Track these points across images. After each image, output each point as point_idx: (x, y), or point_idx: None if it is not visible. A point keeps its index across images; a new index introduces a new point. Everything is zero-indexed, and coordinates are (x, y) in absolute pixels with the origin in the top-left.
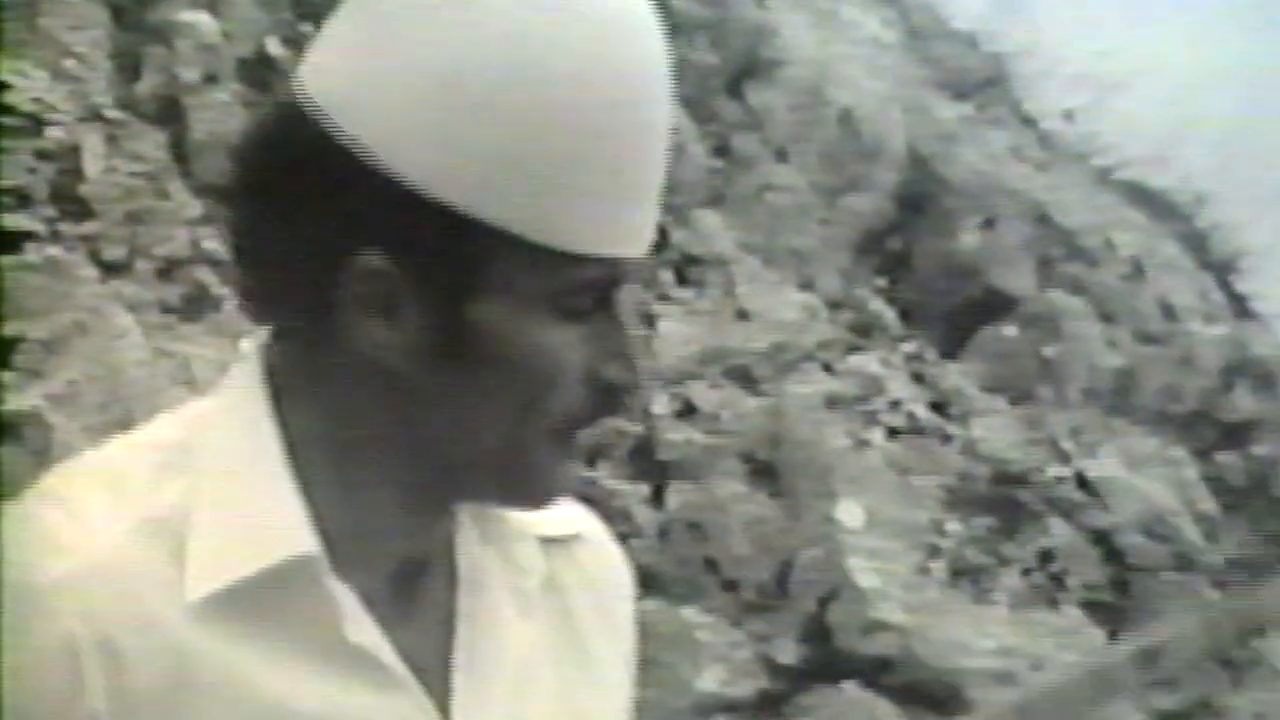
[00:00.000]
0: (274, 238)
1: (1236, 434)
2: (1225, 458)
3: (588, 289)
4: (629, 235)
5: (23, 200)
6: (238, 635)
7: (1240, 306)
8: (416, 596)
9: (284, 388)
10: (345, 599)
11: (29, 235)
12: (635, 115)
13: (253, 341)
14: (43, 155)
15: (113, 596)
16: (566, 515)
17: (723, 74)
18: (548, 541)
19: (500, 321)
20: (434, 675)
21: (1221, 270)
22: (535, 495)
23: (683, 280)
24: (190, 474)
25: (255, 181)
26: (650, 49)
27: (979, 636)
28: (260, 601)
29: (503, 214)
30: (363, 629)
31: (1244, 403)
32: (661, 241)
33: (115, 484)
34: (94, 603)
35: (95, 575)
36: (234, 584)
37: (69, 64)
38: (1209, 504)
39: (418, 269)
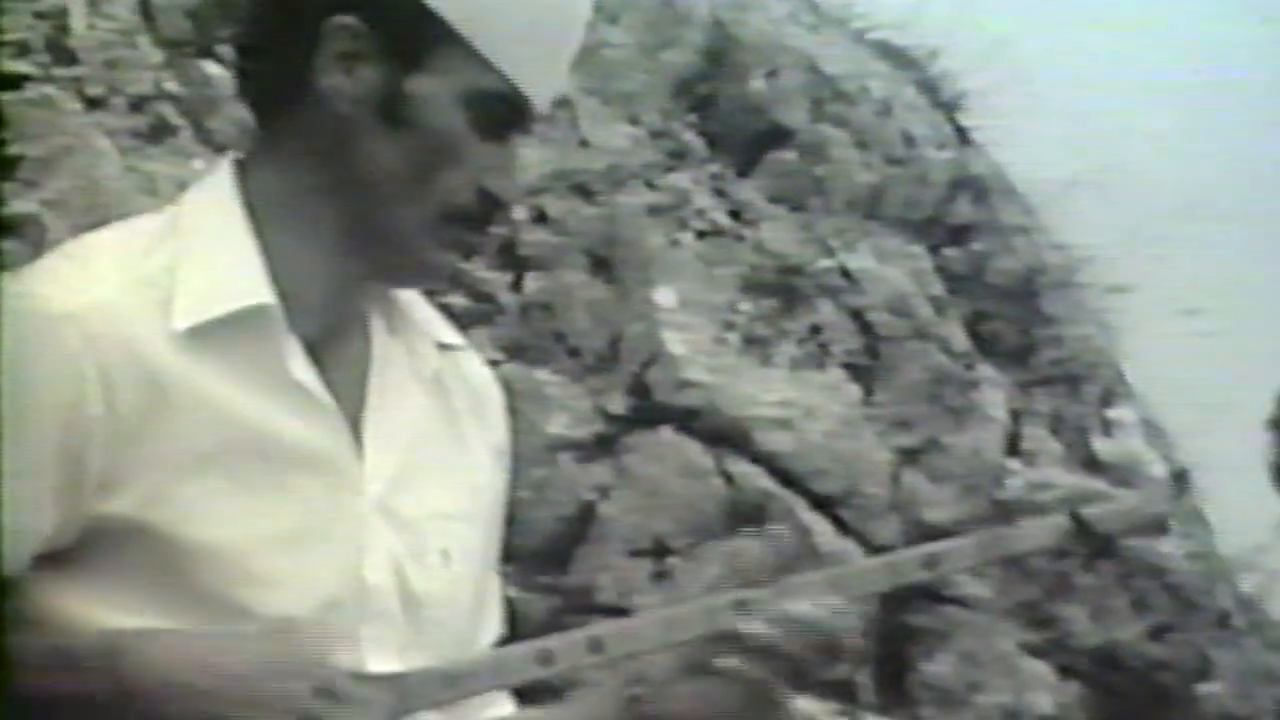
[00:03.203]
0: (278, 9)
1: (959, 234)
2: (950, 252)
3: (496, 104)
4: (538, 81)
5: (22, 50)
6: (205, 367)
7: (963, 136)
8: (341, 356)
9: (251, 175)
10: (291, 343)
11: (27, 77)
12: None
13: (222, 158)
14: (39, 15)
15: (108, 328)
16: (454, 331)
17: None
18: (440, 346)
19: (429, 97)
20: (350, 417)
21: (949, 109)
22: (416, 268)
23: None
24: (175, 244)
25: None
26: None
27: (764, 392)
28: (225, 340)
29: (458, 14)
30: (303, 368)
31: (964, 210)
32: None
33: (117, 249)
34: (93, 331)
35: (95, 310)
36: (207, 321)
37: None
38: (938, 288)
39: (381, 37)
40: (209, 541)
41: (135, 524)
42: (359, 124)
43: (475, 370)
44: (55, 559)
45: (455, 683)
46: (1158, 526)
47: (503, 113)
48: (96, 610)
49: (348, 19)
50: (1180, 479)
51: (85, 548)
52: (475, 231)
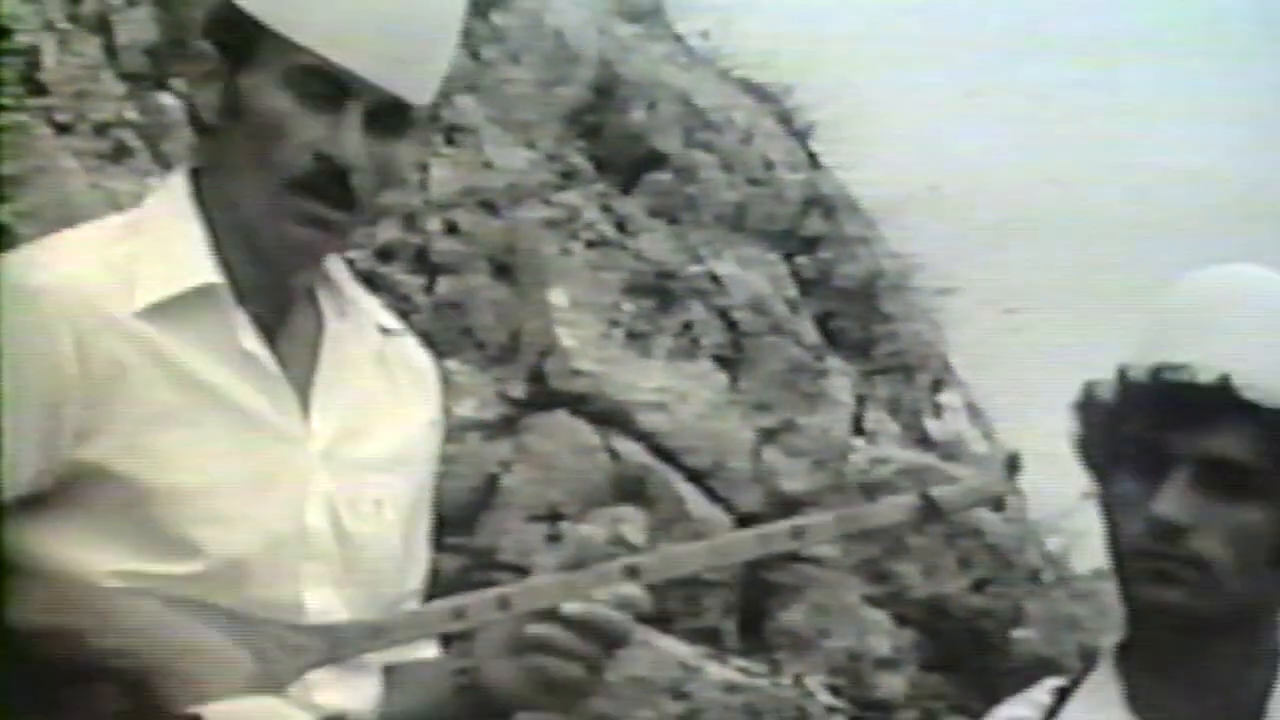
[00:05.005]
0: (189, 50)
1: (810, 244)
2: (803, 260)
3: (314, 79)
4: (360, 51)
5: None
6: (166, 338)
7: (814, 160)
8: (294, 333)
9: (201, 180)
10: (240, 317)
11: (3, 106)
12: None
13: (180, 166)
14: (13, 53)
15: (80, 301)
16: (395, 319)
17: (474, 4)
18: (383, 331)
19: (256, 86)
20: (300, 384)
21: (802, 137)
22: (280, 245)
23: (449, 141)
24: (138, 236)
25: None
26: None
27: (644, 379)
28: (182, 316)
29: (263, 10)
30: (251, 340)
31: (815, 224)
32: (435, 116)
33: (87, 239)
34: (67, 303)
35: (68, 286)
36: (165, 298)
37: None
38: (792, 291)
39: (221, 52)
40: (170, 486)
41: (106, 470)
42: (223, 129)
43: (414, 352)
44: (37, 501)
45: (380, 634)
46: (994, 504)
47: (324, 87)
48: (71, 547)
49: (203, 45)
50: (1013, 463)
51: (63, 491)
52: (327, 203)
